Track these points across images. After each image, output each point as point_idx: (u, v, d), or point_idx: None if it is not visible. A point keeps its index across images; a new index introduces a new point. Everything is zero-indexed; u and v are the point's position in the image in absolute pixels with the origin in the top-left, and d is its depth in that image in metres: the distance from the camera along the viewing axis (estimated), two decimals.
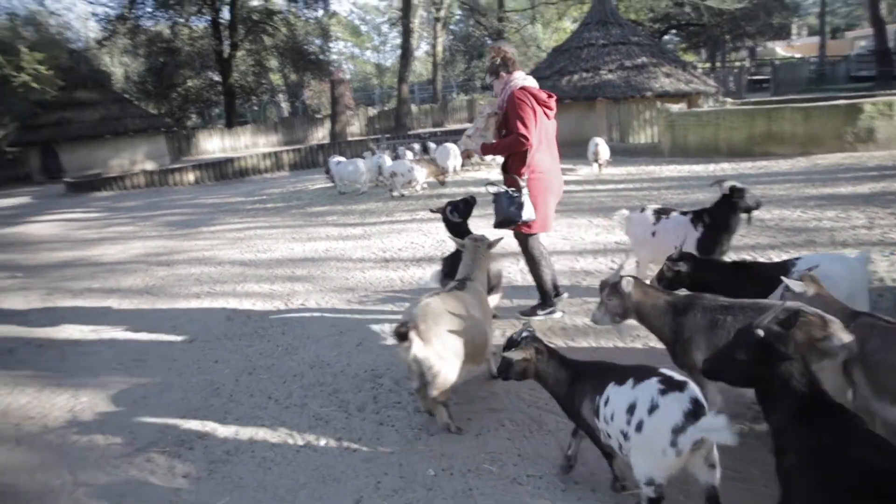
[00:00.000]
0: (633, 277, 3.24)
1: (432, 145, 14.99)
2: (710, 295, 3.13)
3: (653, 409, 2.32)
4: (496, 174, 13.02)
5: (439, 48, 37.16)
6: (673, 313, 3.11)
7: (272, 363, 4.70)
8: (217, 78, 38.15)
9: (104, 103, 26.65)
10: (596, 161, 11.73)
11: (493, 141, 4.84)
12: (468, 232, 4.86)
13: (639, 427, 2.34)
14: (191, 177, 19.64)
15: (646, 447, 2.33)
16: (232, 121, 35.28)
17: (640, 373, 2.48)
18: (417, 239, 8.26)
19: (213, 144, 31.97)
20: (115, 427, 3.98)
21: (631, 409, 2.39)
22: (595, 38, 16.78)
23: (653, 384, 2.37)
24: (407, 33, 28.67)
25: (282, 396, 4.12)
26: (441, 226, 5.25)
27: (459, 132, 21.48)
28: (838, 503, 1.93)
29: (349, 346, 4.85)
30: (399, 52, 33.47)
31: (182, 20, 36.85)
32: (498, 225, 4.72)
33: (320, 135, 32.73)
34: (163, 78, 37.78)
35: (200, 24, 37.52)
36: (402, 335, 3.22)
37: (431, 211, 5.45)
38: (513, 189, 4.62)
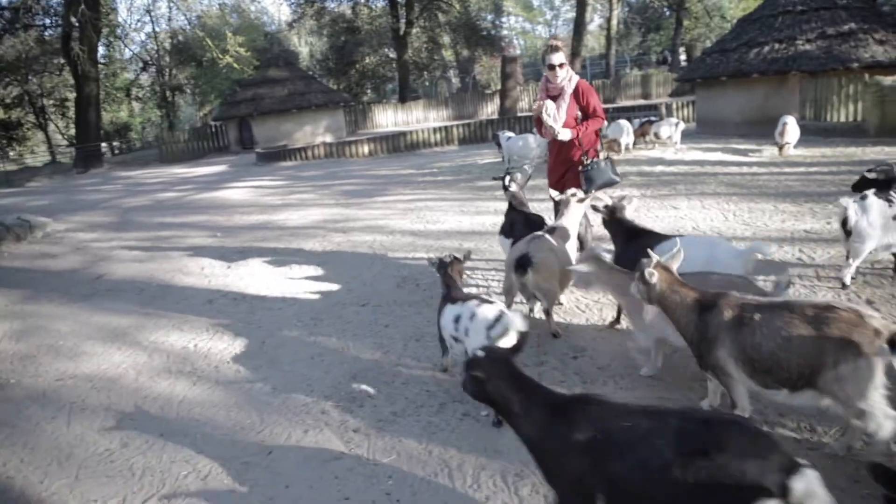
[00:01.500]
0: (663, 266, 2.96)
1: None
2: (737, 293, 2.85)
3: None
4: (670, 153, 12.33)
5: (614, 21, 35.72)
6: (699, 310, 2.85)
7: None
8: (392, 55, 39.70)
9: (292, 80, 28.76)
10: (783, 141, 10.68)
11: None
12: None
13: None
14: (366, 149, 20.67)
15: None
16: (405, 96, 36.55)
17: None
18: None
19: (387, 118, 33.35)
20: (295, 378, 4.30)
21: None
22: (791, 3, 15.12)
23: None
24: (581, 6, 27.88)
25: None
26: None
27: (633, 109, 20.59)
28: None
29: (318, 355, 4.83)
30: (572, 26, 32.64)
31: (363, 1, 38.66)
32: (600, 187, 5.14)
33: (490, 110, 32.92)
34: (343, 55, 40.06)
35: (379, 3, 39.14)
36: (522, 267, 4.12)
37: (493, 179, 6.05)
38: (601, 159, 5.33)
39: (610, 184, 5.21)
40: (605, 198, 4.63)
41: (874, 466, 2.16)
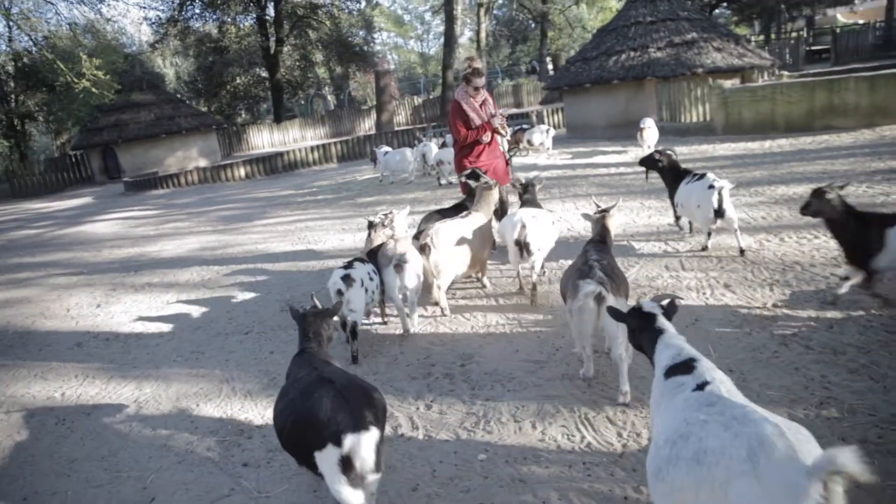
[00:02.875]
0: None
1: None
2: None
3: None
4: (543, 159, 12.86)
5: (483, 34, 36.83)
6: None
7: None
8: (264, 74, 38.80)
9: (158, 104, 27.40)
10: (644, 145, 11.44)
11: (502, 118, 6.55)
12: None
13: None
14: (242, 172, 20.04)
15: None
16: (280, 115, 35.85)
17: None
18: None
19: (263, 139, 32.57)
20: (177, 417, 4.09)
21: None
22: (642, 14, 16.28)
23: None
24: (450, 20, 28.50)
25: None
26: None
27: (506, 117, 21.29)
28: None
29: (400, 337, 4.85)
30: (442, 39, 33.34)
31: (229, 19, 37.57)
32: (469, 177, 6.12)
33: (367, 126, 32.95)
34: (212, 76, 38.71)
35: (247, 21, 38.20)
36: (422, 247, 4.71)
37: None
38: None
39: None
40: (521, 177, 6.15)
41: None
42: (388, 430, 3.52)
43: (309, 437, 2.50)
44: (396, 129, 25.03)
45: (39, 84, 35.91)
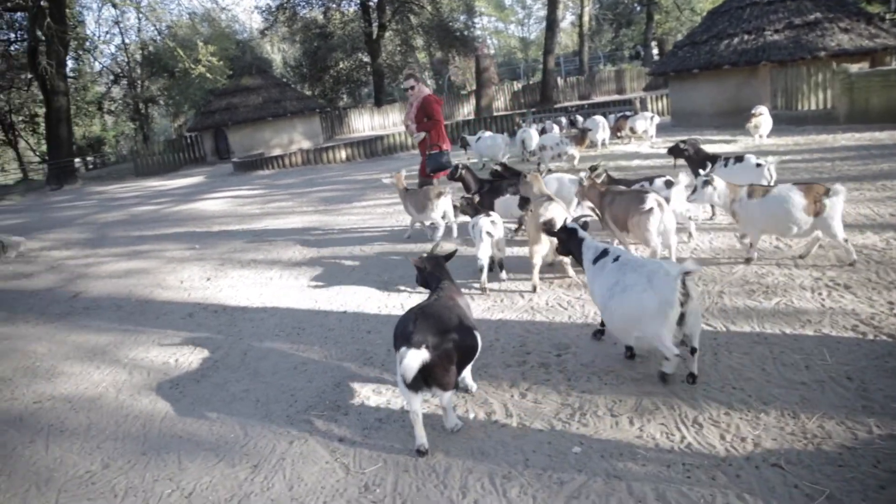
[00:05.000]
0: None
1: (580, 118, 14.55)
2: None
3: None
4: (646, 147, 12.41)
5: (586, 18, 35.96)
6: None
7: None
8: (366, 59, 39.62)
9: (266, 88, 28.57)
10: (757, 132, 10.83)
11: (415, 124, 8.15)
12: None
13: None
14: (343, 154, 20.59)
15: None
16: (381, 99, 36.51)
17: None
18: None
19: (363, 123, 33.31)
20: (278, 389, 4.26)
21: None
22: None
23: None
24: (553, 4, 27.98)
25: None
26: None
27: (608, 104, 20.73)
28: None
29: (497, 323, 4.83)
30: (544, 24, 32.79)
31: (334, 5, 38.55)
32: (432, 171, 8.02)
33: (466, 111, 32.98)
34: (317, 61, 39.94)
35: (351, 7, 39.07)
36: (548, 223, 4.79)
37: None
38: (442, 150, 8.06)
39: (443, 168, 7.96)
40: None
41: None
42: (481, 415, 3.53)
43: (394, 343, 3.24)
44: (495, 114, 24.89)
45: (161, 70, 38.32)
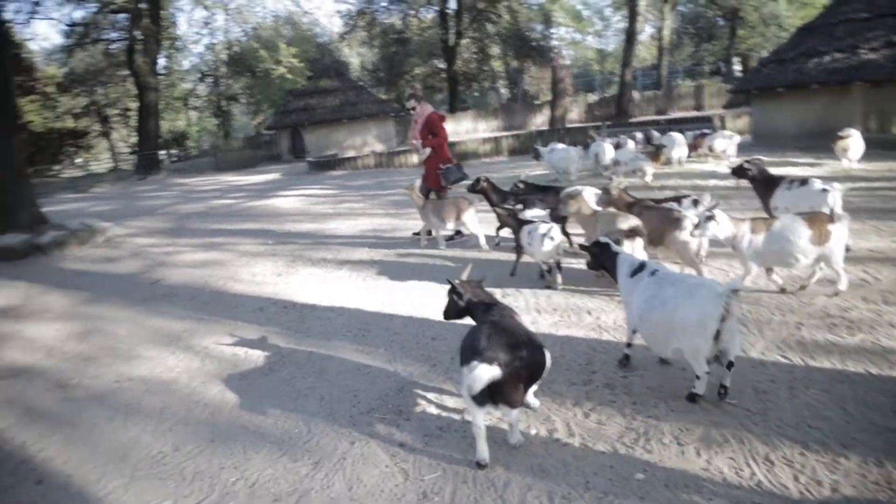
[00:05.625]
0: None
1: (655, 134, 14.23)
2: None
3: None
4: (724, 167, 12.02)
5: (666, 31, 35.16)
6: None
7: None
8: (442, 65, 40.01)
9: (343, 90, 29.25)
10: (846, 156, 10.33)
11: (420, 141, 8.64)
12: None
13: None
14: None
15: None
16: (454, 106, 36.78)
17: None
18: None
19: None
20: (342, 389, 4.34)
21: None
22: (855, 10, 14.57)
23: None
24: (632, 16, 27.55)
25: None
26: None
27: (685, 121, 20.21)
28: None
29: (562, 339, 4.78)
30: (622, 36, 32.30)
31: (413, 12, 39.10)
32: (452, 183, 8.58)
33: (539, 121, 32.79)
34: (393, 66, 40.59)
35: (429, 14, 39.55)
36: (633, 230, 5.31)
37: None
38: (454, 165, 8.71)
39: (460, 179, 8.59)
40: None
41: None
42: (543, 432, 3.50)
43: (462, 356, 3.18)
44: (569, 126, 24.65)
45: (244, 70, 39.77)
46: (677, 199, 6.46)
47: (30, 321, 6.93)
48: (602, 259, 4.33)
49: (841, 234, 4.72)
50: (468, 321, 3.93)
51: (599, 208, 6.25)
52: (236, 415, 4.15)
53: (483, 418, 3.18)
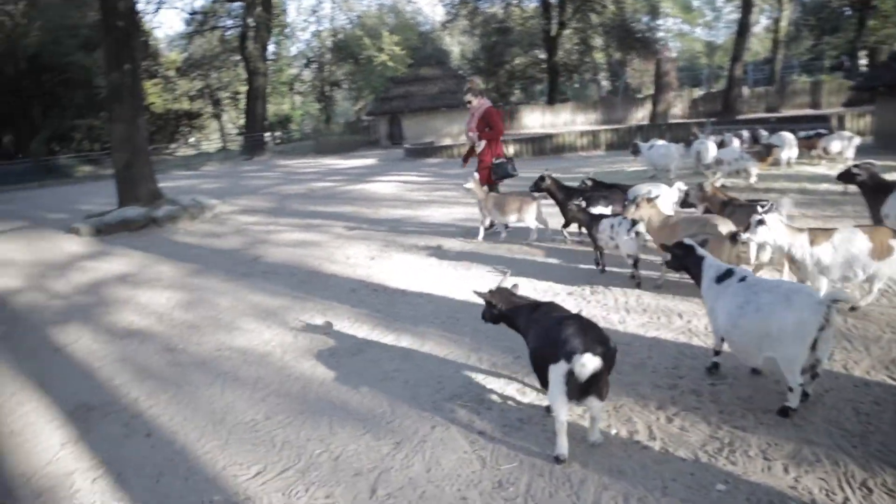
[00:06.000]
0: None
1: (763, 133, 13.51)
2: None
3: None
4: (835, 169, 11.27)
5: (783, 23, 33.17)
6: None
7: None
8: (542, 56, 39.58)
9: (442, 79, 29.51)
10: None
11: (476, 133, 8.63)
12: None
13: None
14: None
15: None
16: (554, 97, 36.34)
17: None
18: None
19: (534, 120, 33.28)
20: (427, 374, 4.45)
21: None
22: None
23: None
24: (746, 7, 26.18)
25: None
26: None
27: (799, 119, 19.06)
28: None
29: (650, 341, 4.69)
30: (734, 28, 30.77)
31: (515, 1, 38.83)
32: (501, 178, 8.67)
33: (640, 115, 31.87)
34: (493, 56, 40.54)
35: (531, 4, 39.16)
36: (734, 236, 5.08)
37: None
38: (506, 160, 8.72)
39: (508, 175, 8.66)
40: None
41: None
42: (624, 432, 3.46)
43: (552, 350, 3.20)
44: (671, 121, 23.81)
45: (347, 57, 40.89)
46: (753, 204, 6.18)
47: (144, 288, 7.50)
48: (685, 262, 4.14)
49: None
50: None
51: (671, 213, 6.23)
52: (325, 390, 4.35)
53: (567, 412, 3.20)
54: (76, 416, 4.32)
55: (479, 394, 4.06)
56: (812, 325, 3.20)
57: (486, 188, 8.39)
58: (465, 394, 4.08)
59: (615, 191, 7.69)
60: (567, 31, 37.05)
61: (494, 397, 4.00)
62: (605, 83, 49.47)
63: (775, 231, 4.75)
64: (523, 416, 3.75)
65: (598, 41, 40.30)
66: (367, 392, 4.25)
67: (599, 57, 44.13)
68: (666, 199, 7.08)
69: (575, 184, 8.28)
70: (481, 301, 4.07)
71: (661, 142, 12.98)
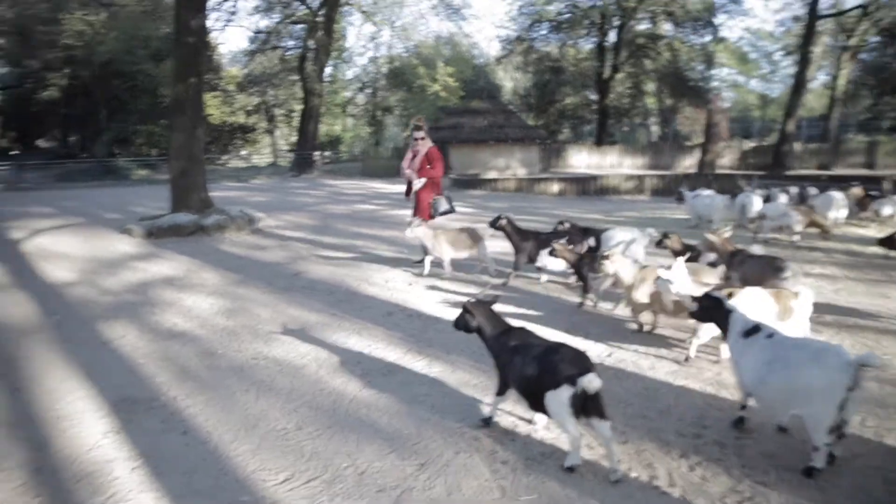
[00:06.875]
0: None
1: (813, 191, 13.36)
2: None
3: None
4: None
5: (841, 81, 32.78)
6: None
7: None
8: (593, 97, 39.80)
9: (492, 112, 29.91)
10: None
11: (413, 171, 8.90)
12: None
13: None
14: (555, 188, 20.88)
15: None
16: (602, 139, 36.43)
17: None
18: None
19: (580, 160, 33.38)
20: (454, 402, 4.55)
21: None
22: None
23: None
24: (804, 63, 26.02)
25: None
26: None
27: (849, 178, 18.74)
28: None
29: (677, 389, 4.71)
30: (790, 82, 30.53)
31: (571, 42, 39.26)
32: (441, 214, 8.89)
33: (687, 163, 31.71)
34: (545, 93, 40.95)
35: (587, 46, 39.50)
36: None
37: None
38: (444, 196, 9.05)
39: (448, 212, 8.98)
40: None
41: None
42: (644, 476, 3.50)
43: (547, 381, 3.51)
44: (719, 171, 23.65)
45: (401, 84, 41.66)
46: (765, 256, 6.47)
47: (189, 292, 7.79)
48: (713, 315, 4.17)
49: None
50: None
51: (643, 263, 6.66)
52: (354, 407, 4.48)
53: (577, 426, 3.49)
54: (119, 407, 4.54)
55: (505, 425, 4.14)
56: (841, 384, 3.23)
57: (431, 227, 8.52)
58: (490, 423, 4.16)
59: (590, 235, 8.05)
60: (620, 75, 37.24)
61: (519, 429, 4.08)
62: (654, 128, 49.37)
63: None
64: (546, 450, 3.82)
65: (650, 86, 40.40)
66: (396, 413, 4.37)
67: (651, 102, 44.16)
68: (638, 245, 7.47)
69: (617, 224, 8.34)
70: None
71: (706, 191, 12.95)
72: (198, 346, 5.85)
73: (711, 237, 6.74)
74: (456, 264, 8.51)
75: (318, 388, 4.82)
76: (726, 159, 30.99)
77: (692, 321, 4.90)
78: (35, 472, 3.72)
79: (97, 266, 9.28)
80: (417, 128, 9.04)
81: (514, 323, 4.28)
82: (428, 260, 8.53)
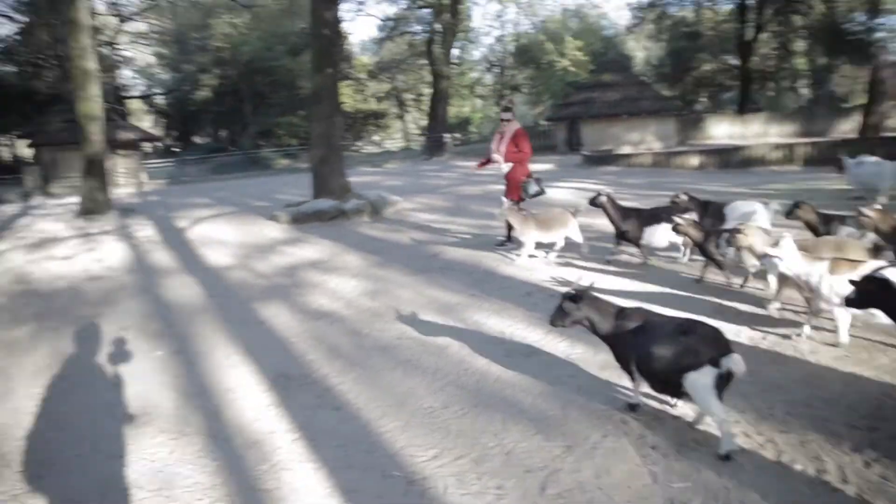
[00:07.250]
0: None
1: None
2: None
3: None
4: None
5: None
6: None
7: (752, 368, 4.48)
8: (734, 62, 37.17)
9: (624, 85, 28.78)
10: None
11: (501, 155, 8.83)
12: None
13: None
14: (694, 161, 19.76)
15: None
16: (744, 106, 33.98)
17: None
18: None
19: (721, 130, 31.28)
20: (600, 384, 4.45)
21: None
22: None
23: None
24: None
25: (762, 405, 3.92)
26: None
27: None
28: None
29: (847, 376, 4.30)
30: None
31: (708, 4, 36.85)
32: (531, 196, 8.77)
33: (846, 128, 28.75)
34: (680, 62, 38.85)
35: (725, 6, 36.90)
36: None
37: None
38: (534, 179, 8.86)
39: (537, 194, 8.80)
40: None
41: None
42: (810, 470, 3.25)
43: (687, 362, 3.40)
44: (885, 135, 21.24)
45: (529, 61, 41.22)
46: None
47: (333, 274, 8.18)
48: (879, 299, 3.48)
49: None
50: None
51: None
52: (499, 387, 4.50)
53: (724, 409, 3.41)
54: (277, 382, 4.87)
55: (655, 409, 3.99)
56: None
57: (522, 210, 8.31)
58: (639, 408, 4.02)
59: (710, 208, 7.53)
60: (764, 35, 34.41)
61: (668, 415, 3.91)
62: (804, 91, 45.24)
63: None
64: (699, 437, 3.63)
65: (800, 45, 37.00)
66: (540, 394, 4.34)
67: (800, 62, 40.47)
68: (761, 217, 6.72)
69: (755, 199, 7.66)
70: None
71: (872, 158, 11.65)
72: (344, 326, 6.14)
73: (867, 211, 5.78)
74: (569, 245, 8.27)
75: (462, 368, 4.90)
76: (894, 120, 27.78)
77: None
78: (211, 437, 4.08)
79: (250, 251, 9.99)
80: (507, 109, 9.13)
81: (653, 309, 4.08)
82: (529, 243, 8.18)
